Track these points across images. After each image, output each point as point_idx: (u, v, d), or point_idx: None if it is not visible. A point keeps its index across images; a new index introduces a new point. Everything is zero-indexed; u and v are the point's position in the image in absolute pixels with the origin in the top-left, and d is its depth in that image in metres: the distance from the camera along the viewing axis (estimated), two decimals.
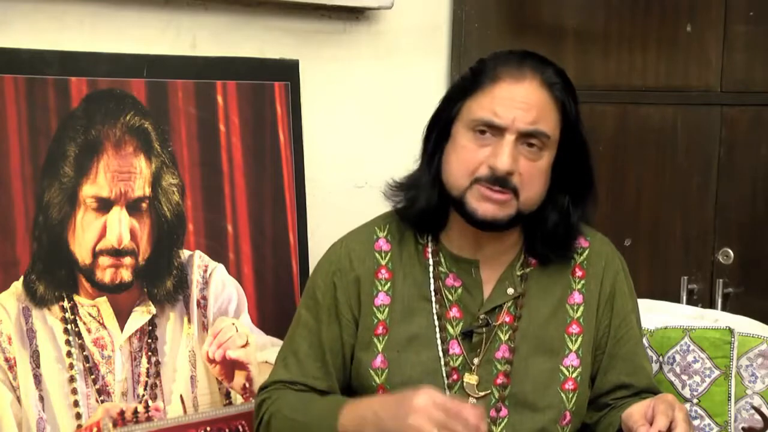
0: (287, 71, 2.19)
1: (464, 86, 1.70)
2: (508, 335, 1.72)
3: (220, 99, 2.08)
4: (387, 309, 1.73)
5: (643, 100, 2.62)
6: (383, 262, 1.76)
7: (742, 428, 2.00)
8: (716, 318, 2.18)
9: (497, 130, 1.63)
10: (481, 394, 1.70)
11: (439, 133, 1.71)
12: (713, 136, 2.61)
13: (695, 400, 2.05)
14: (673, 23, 2.60)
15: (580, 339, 1.75)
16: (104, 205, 1.91)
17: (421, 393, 1.50)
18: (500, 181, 1.63)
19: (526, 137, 1.64)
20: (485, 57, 1.73)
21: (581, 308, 1.76)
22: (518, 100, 1.63)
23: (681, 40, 2.60)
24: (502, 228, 1.68)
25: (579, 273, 1.78)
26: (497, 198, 1.64)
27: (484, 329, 1.71)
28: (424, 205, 1.72)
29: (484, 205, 1.64)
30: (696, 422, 2.03)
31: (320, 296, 1.76)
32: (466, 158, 1.65)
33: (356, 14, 2.37)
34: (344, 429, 1.60)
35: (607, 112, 2.62)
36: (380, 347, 1.72)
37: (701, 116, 2.62)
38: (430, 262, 1.75)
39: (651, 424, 1.53)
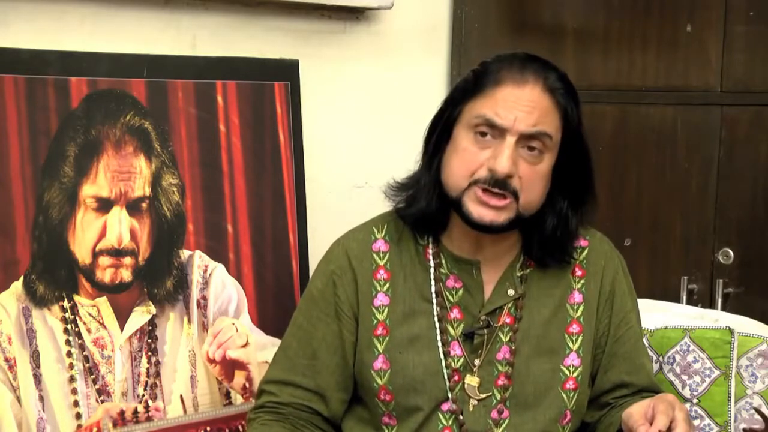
0: (287, 71, 2.19)
1: (466, 88, 1.69)
2: (508, 336, 1.72)
3: (220, 99, 2.08)
4: (386, 309, 1.73)
5: (643, 100, 2.62)
6: (381, 263, 1.75)
7: (743, 429, 2.00)
8: (716, 318, 2.18)
9: (498, 132, 1.62)
10: (482, 396, 1.70)
11: (440, 134, 1.70)
12: (713, 136, 2.61)
13: (695, 400, 2.05)
14: (673, 23, 2.59)
15: (580, 338, 1.75)
16: (104, 205, 1.91)
17: None
18: (499, 184, 1.62)
19: (527, 140, 1.63)
20: (487, 59, 1.72)
21: (581, 307, 1.76)
22: (520, 102, 1.62)
23: (681, 40, 2.59)
24: (501, 230, 1.67)
25: (579, 272, 1.78)
26: (494, 203, 1.63)
27: (485, 330, 1.71)
28: (424, 206, 1.71)
29: (480, 209, 1.63)
30: (696, 422, 2.03)
31: (318, 296, 1.76)
32: (466, 159, 1.64)
33: (356, 14, 2.37)
34: None
35: (607, 112, 2.62)
36: (381, 348, 1.72)
37: (701, 116, 2.62)
38: (431, 263, 1.74)
39: (651, 423, 1.53)
